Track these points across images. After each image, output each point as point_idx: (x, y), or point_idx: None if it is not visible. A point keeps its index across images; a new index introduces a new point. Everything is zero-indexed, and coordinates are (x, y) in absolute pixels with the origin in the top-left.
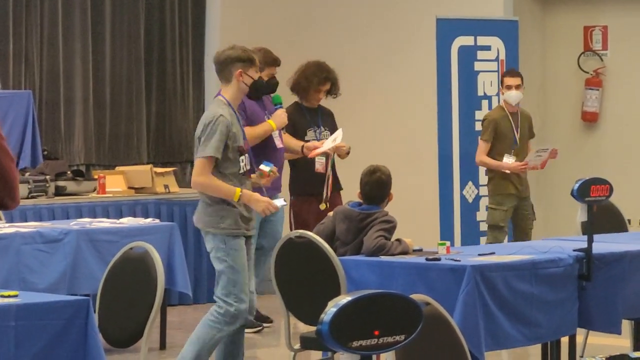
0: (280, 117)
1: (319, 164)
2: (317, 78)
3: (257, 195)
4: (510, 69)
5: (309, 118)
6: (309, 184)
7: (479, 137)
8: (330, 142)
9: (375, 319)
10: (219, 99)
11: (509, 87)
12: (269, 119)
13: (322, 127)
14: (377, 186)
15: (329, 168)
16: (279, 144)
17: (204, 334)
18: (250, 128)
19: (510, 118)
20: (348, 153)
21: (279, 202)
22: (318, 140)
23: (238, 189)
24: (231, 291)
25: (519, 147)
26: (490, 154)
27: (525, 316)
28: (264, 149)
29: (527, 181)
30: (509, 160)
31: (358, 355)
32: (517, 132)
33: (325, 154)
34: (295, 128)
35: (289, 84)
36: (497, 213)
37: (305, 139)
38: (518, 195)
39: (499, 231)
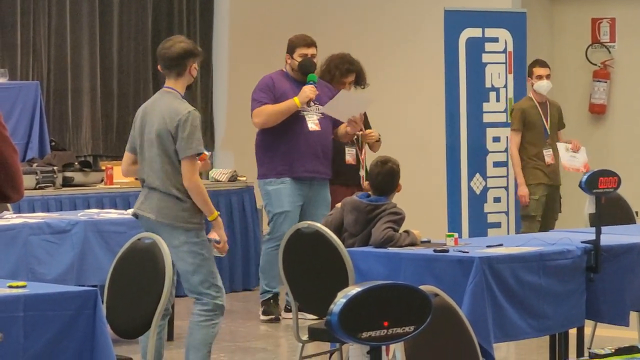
0: (304, 92)
1: (350, 156)
2: (340, 70)
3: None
4: (539, 60)
5: None
6: (338, 175)
7: (510, 128)
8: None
9: (385, 310)
10: (174, 93)
11: (539, 77)
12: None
13: None
14: (389, 177)
15: (364, 151)
16: (313, 127)
17: (204, 336)
18: (271, 105)
19: (539, 108)
20: (379, 141)
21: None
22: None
23: (217, 212)
24: (212, 282)
25: (549, 137)
26: (521, 144)
27: (533, 308)
28: (288, 130)
29: (558, 169)
30: (548, 154)
31: (367, 346)
32: (547, 122)
33: (355, 145)
34: None
35: None
36: (530, 203)
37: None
38: (549, 183)
39: (531, 221)
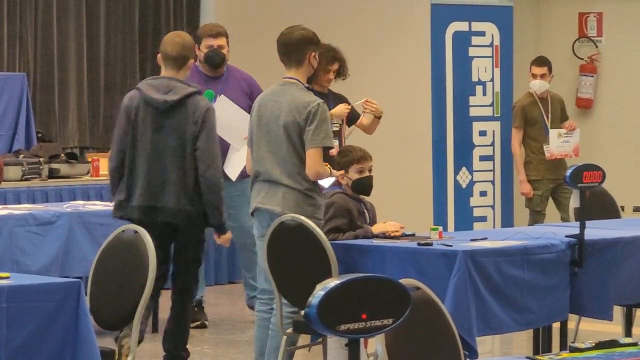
0: None
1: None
2: (325, 58)
3: None
4: (539, 58)
5: None
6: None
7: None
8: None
9: (363, 303)
10: (298, 84)
11: (534, 76)
12: None
13: None
14: None
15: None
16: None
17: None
18: None
19: (540, 104)
20: (379, 118)
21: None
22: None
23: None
24: None
25: (550, 130)
26: (524, 140)
27: (516, 302)
28: None
29: (566, 164)
30: (548, 150)
31: (345, 338)
32: (548, 118)
33: (338, 136)
34: None
35: None
36: (533, 198)
37: None
38: (553, 178)
39: (537, 215)
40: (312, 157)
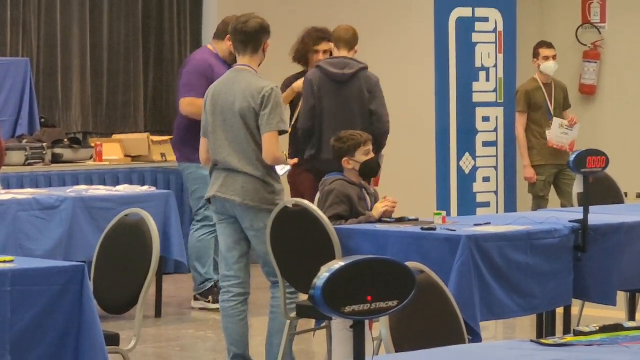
0: None
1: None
2: (312, 39)
3: None
4: (545, 41)
5: None
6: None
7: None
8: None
9: (368, 285)
10: (251, 71)
11: (546, 58)
12: None
13: None
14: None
15: None
16: None
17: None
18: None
19: (544, 89)
20: None
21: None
22: None
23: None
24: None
25: (553, 118)
26: (527, 125)
27: (520, 287)
28: None
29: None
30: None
31: (351, 320)
32: (551, 104)
33: None
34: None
35: (291, 54)
36: (537, 183)
37: None
38: (557, 163)
39: (540, 200)
40: (269, 141)
